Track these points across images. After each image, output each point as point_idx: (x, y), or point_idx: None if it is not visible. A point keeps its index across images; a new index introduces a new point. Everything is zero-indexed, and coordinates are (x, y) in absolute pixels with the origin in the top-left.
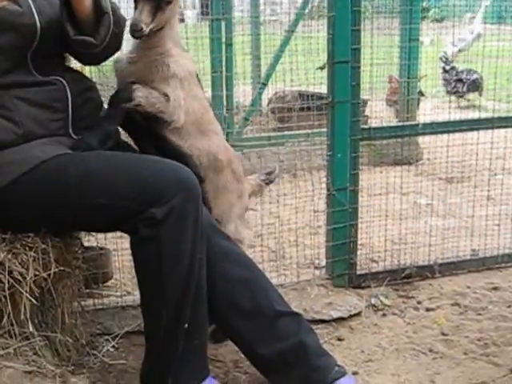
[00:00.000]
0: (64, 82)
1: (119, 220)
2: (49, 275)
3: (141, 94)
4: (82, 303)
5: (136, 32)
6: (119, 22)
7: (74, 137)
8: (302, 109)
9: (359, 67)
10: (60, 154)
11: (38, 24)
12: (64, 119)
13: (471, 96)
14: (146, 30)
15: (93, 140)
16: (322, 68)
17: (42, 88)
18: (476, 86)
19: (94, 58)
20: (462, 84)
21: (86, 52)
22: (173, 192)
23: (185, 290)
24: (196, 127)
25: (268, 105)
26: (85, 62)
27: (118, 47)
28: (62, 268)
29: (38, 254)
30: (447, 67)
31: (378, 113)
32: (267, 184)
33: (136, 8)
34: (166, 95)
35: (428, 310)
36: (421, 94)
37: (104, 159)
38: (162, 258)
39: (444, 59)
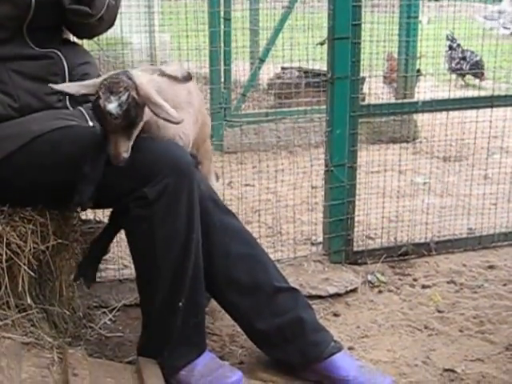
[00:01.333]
0: (61, 55)
1: (111, 198)
2: (47, 248)
3: None
4: None
5: (121, 163)
6: None
7: (71, 109)
8: (304, 85)
9: (359, 43)
10: (56, 128)
11: None
12: (61, 92)
13: (471, 80)
14: (128, 153)
15: None
16: (321, 44)
17: (39, 61)
18: (478, 67)
19: (89, 30)
20: (466, 62)
21: (80, 23)
22: (165, 171)
23: (180, 269)
24: None
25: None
26: (79, 35)
27: (113, 20)
28: (60, 241)
29: (36, 226)
30: (454, 45)
31: (376, 90)
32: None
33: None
34: None
35: (424, 287)
36: (419, 72)
37: (99, 136)
38: (155, 238)
39: (450, 37)
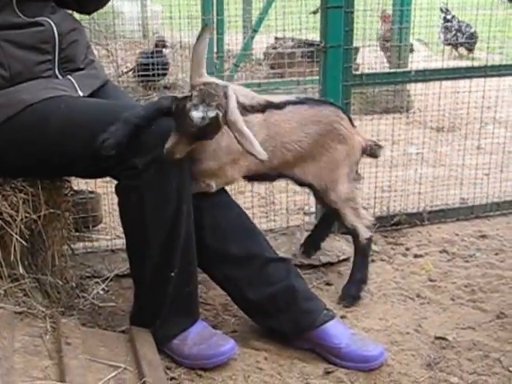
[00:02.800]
0: (52, 22)
1: (102, 169)
2: (39, 217)
3: None
4: (72, 246)
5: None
6: None
7: (60, 78)
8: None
9: (352, 12)
10: (46, 98)
11: None
12: (51, 61)
13: (464, 52)
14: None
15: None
16: (314, 12)
17: (29, 29)
18: (472, 40)
19: (85, 4)
20: (461, 34)
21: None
22: (155, 141)
23: (170, 238)
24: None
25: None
26: (84, 10)
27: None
28: (51, 210)
29: (28, 196)
30: (448, 17)
31: (370, 60)
32: (372, 155)
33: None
34: None
35: (416, 256)
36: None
37: (89, 107)
38: (145, 208)
39: (444, 9)
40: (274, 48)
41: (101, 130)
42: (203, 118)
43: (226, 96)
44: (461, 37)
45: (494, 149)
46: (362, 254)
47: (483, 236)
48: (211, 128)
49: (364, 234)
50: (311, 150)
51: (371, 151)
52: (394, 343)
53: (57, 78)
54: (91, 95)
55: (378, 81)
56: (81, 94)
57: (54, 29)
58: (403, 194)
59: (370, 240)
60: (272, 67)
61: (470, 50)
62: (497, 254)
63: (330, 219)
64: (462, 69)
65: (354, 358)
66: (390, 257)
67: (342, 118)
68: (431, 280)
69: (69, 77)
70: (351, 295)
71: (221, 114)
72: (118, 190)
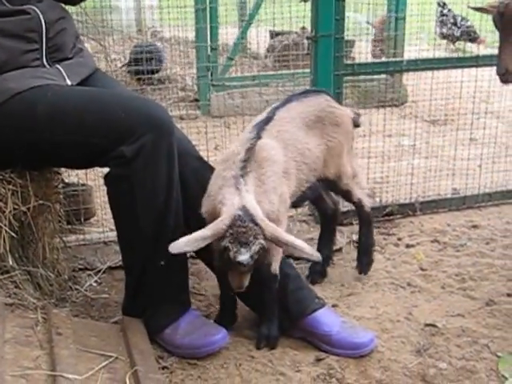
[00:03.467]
0: (38, 11)
1: (90, 157)
2: (28, 209)
3: None
4: (65, 239)
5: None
6: None
7: (48, 67)
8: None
9: (343, 1)
10: (34, 87)
11: None
12: (38, 50)
13: (461, 45)
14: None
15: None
16: (305, 1)
17: (15, 18)
18: (468, 34)
19: None
20: (457, 28)
21: None
22: (143, 129)
23: (161, 227)
24: None
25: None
26: (69, 1)
27: None
28: (41, 202)
29: (16, 187)
30: (444, 11)
31: (368, 54)
32: (355, 126)
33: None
34: None
35: (408, 246)
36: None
37: (76, 95)
38: (136, 197)
39: (441, 4)
40: (281, 41)
41: (87, 118)
42: (251, 256)
43: (255, 222)
44: (456, 30)
45: (485, 141)
46: (368, 222)
47: (475, 226)
48: (261, 256)
49: (368, 203)
50: (320, 145)
51: (355, 121)
52: (385, 331)
53: (44, 67)
54: (80, 83)
55: (369, 70)
56: (69, 82)
57: (41, 17)
58: (395, 185)
59: (370, 209)
60: (278, 61)
61: (473, 41)
62: (487, 244)
63: (330, 230)
64: (453, 59)
65: (345, 345)
66: (382, 247)
67: (330, 100)
68: (422, 269)
69: (57, 66)
70: (366, 262)
71: (263, 242)
72: (108, 180)
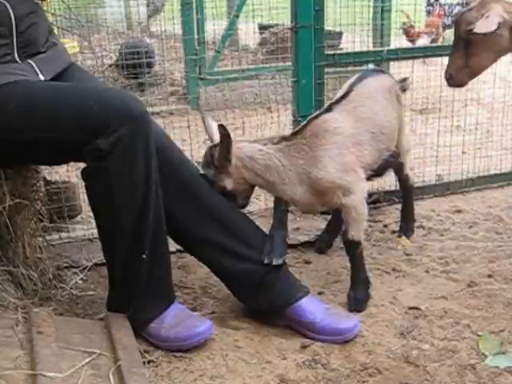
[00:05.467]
0: (7, 4)
1: (65, 152)
2: (4, 208)
3: None
4: (48, 237)
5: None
6: None
7: (19, 62)
8: None
9: None
10: (3, 84)
11: None
12: (8, 44)
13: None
14: None
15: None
16: None
17: None
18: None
19: None
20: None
21: None
22: (119, 122)
23: (140, 220)
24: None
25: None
26: None
27: None
28: (18, 201)
29: None
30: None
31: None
32: (403, 91)
33: None
34: None
35: (394, 232)
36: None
37: (47, 90)
38: (114, 191)
39: None
40: (275, 34)
41: (60, 112)
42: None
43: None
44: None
45: (472, 128)
46: (410, 194)
47: (458, 211)
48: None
49: (413, 178)
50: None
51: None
52: (369, 315)
53: (16, 62)
54: (54, 78)
55: (350, 60)
56: (42, 77)
57: (10, 11)
58: None
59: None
60: (271, 53)
61: None
62: (470, 227)
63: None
64: (433, 47)
65: (329, 331)
66: (368, 234)
67: (394, 81)
68: (407, 254)
69: (29, 60)
70: (411, 228)
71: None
72: (85, 174)
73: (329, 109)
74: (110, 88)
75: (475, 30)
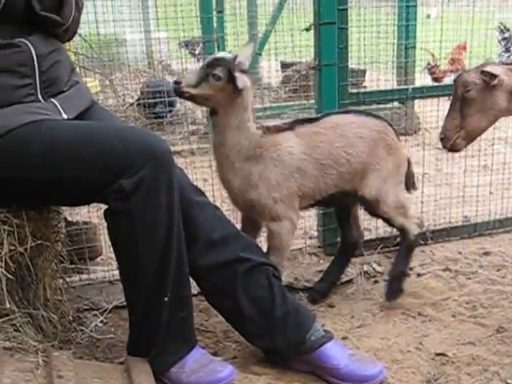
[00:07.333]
0: (29, 43)
1: (88, 193)
2: (25, 249)
3: None
4: (68, 279)
5: None
6: (80, 4)
7: (43, 101)
8: None
9: (346, 29)
10: (26, 123)
11: None
12: (32, 84)
13: None
14: None
15: None
16: (307, 29)
17: (5, 51)
18: None
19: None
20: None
21: (49, 30)
22: (142, 161)
23: (163, 262)
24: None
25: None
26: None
27: (75, 33)
28: (39, 242)
29: (12, 227)
30: (506, 35)
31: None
32: None
33: None
34: None
35: (419, 275)
36: None
37: (71, 129)
38: (136, 231)
39: (503, 27)
40: (297, 71)
41: (84, 152)
42: None
43: None
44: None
45: (499, 168)
46: (408, 249)
47: (486, 253)
48: None
49: (413, 230)
50: (363, 161)
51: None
52: (395, 361)
53: (39, 101)
54: (77, 117)
55: (374, 99)
56: (65, 116)
57: (32, 50)
58: None
59: (417, 237)
60: (294, 91)
61: None
62: (498, 270)
63: (345, 258)
64: None
65: (354, 377)
66: None
67: (390, 129)
68: (433, 298)
69: (52, 100)
70: (395, 289)
71: None
72: (107, 215)
73: (292, 125)
74: (132, 127)
75: (485, 69)
